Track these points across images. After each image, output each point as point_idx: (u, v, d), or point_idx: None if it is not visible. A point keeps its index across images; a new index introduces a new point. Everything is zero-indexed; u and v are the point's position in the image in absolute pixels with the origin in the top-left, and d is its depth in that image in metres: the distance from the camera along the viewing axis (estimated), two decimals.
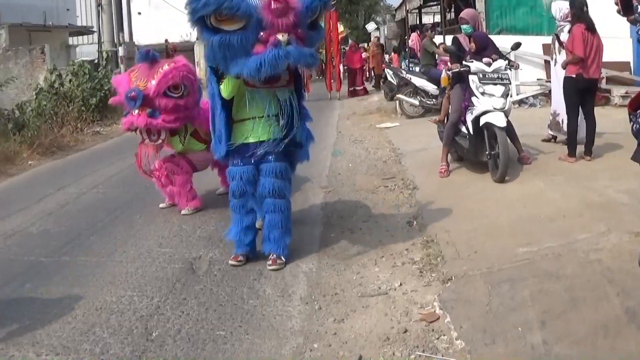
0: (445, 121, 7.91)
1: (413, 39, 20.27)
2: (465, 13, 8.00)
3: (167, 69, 6.34)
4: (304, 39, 4.57)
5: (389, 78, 17.04)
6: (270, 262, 5.05)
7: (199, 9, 4.27)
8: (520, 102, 13.06)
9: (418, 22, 29.23)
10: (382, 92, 18.39)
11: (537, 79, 13.65)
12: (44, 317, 4.31)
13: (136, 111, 6.28)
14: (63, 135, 13.20)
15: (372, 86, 23.47)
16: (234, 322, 4.11)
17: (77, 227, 6.65)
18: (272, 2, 4.32)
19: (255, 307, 4.33)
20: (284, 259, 5.10)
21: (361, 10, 50.28)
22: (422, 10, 28.32)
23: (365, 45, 31.05)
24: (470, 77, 7.16)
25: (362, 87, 21.72)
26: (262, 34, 4.38)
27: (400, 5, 28.63)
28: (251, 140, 5.01)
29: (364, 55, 24.39)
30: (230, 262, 5.15)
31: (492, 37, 8.22)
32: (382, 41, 30.76)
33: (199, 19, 4.37)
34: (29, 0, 23.08)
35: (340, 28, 23.55)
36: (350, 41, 32.27)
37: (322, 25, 5.16)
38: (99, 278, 5.06)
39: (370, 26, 33.96)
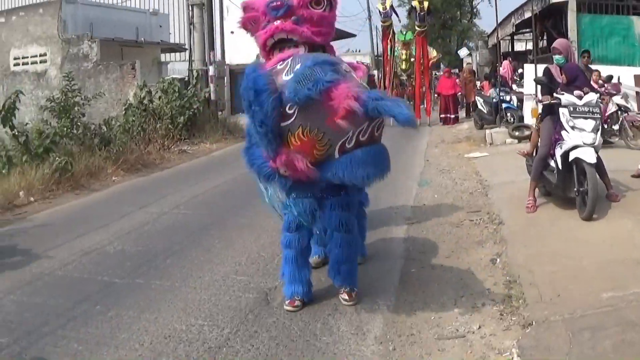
0: (534, 154, 7.67)
1: (505, 67, 19.89)
2: (558, 43, 7.75)
3: None
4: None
5: (480, 106, 16.81)
6: (345, 296, 4.93)
7: None
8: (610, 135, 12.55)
9: (510, 49, 28.73)
10: (472, 120, 18.15)
11: None
12: (111, 342, 4.37)
13: (278, 21, 5.54)
14: (149, 153, 13.51)
15: (462, 112, 23.14)
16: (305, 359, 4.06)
17: (154, 249, 6.75)
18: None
19: (327, 344, 4.25)
20: (356, 293, 4.95)
21: (454, 35, 49.96)
22: (515, 37, 27.82)
23: (457, 71, 30.70)
24: (561, 110, 6.92)
25: (454, 116, 20.70)
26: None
27: (493, 31, 28.21)
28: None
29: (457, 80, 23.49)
30: (286, 307, 4.86)
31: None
32: (474, 67, 30.32)
33: None
34: (122, 15, 23.63)
35: (433, 53, 23.35)
36: (442, 67, 31.90)
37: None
38: (170, 304, 5.09)
39: (463, 52, 33.58)
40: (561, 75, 7.28)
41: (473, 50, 39.83)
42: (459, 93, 22.71)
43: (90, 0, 22.89)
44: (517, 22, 22.50)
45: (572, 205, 6.91)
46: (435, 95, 22.91)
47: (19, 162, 10.82)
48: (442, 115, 20.50)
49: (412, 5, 21.34)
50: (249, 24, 5.92)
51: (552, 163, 7.16)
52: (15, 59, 19.85)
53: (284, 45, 5.36)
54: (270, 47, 5.43)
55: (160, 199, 9.47)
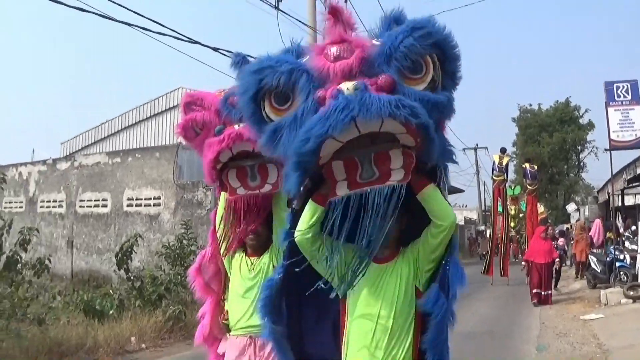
0: None
1: (595, 227, 19.45)
2: None
3: None
4: (393, 89, 2.83)
5: (593, 265, 16.45)
6: None
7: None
8: None
9: (620, 204, 28.14)
10: (585, 279, 17.66)
11: None
12: None
13: (240, 125, 3.94)
14: None
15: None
16: None
17: None
18: (328, 46, 2.96)
19: None
20: None
21: (561, 189, 49.50)
22: (625, 192, 27.32)
23: (567, 227, 30.00)
24: None
25: (548, 293, 14.97)
26: (318, 93, 2.87)
27: (603, 187, 27.85)
28: None
29: (560, 242, 20.49)
30: None
31: None
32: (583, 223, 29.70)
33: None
34: None
35: (540, 209, 23.12)
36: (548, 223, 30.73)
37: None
38: None
39: (571, 207, 33.19)
40: None
41: (580, 205, 39.24)
42: (556, 260, 15.86)
43: None
44: (629, 177, 22.20)
45: None
46: (523, 264, 18.01)
47: (131, 307, 11.19)
48: (535, 291, 14.85)
49: (522, 167, 21.01)
50: (193, 129, 4.36)
51: None
52: (128, 199, 20.01)
53: (245, 165, 4.09)
54: (222, 167, 4.11)
55: None
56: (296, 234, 3.20)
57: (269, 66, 3.00)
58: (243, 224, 4.24)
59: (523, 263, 17.76)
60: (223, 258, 4.49)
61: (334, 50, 2.92)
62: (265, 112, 3.05)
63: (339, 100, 2.71)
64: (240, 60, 4.13)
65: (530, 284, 15.26)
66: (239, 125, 3.90)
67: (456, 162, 3.24)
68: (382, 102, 2.67)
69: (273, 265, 4.19)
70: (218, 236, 4.46)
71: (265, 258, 4.33)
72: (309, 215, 3.15)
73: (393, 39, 2.88)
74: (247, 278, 4.31)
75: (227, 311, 4.47)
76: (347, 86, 2.74)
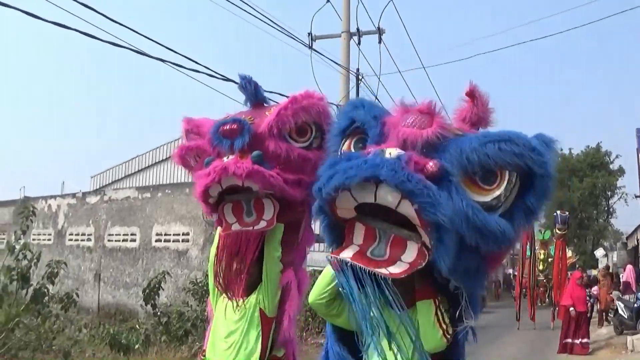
0: None
1: (628, 272, 19.17)
2: None
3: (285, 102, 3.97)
4: (438, 178, 2.65)
5: (620, 311, 16.26)
6: None
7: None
8: None
9: None
10: (612, 325, 17.39)
11: None
12: None
13: (230, 157, 3.73)
14: None
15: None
16: None
17: None
18: (412, 111, 2.85)
19: None
20: None
21: (590, 235, 48.96)
22: None
23: (594, 273, 29.57)
24: None
25: (584, 341, 13.93)
26: (370, 147, 2.84)
27: (633, 233, 27.57)
28: None
29: (594, 290, 19.11)
30: None
31: None
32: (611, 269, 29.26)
33: None
34: None
35: (569, 253, 22.91)
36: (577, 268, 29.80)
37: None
38: None
39: (599, 252, 32.83)
40: None
41: (609, 251, 38.77)
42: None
43: None
44: None
45: None
46: (555, 308, 18.13)
47: (157, 342, 11.24)
48: (567, 341, 13.89)
49: (555, 213, 20.62)
50: (191, 157, 4.17)
51: None
52: (157, 234, 20.01)
53: (237, 199, 3.85)
54: (218, 201, 3.90)
55: None
56: (310, 298, 3.20)
57: (362, 104, 3.06)
58: (235, 263, 3.94)
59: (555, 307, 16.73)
60: (209, 296, 4.26)
61: (410, 117, 2.81)
62: (340, 149, 3.05)
63: (373, 156, 2.63)
64: (246, 83, 4.07)
65: (562, 332, 14.15)
66: (228, 158, 3.67)
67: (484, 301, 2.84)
68: (403, 174, 2.54)
69: (260, 308, 4.00)
70: (209, 274, 4.16)
71: (252, 298, 4.03)
72: (325, 282, 3.14)
73: (478, 144, 2.70)
74: (232, 320, 4.04)
75: (204, 350, 4.20)
76: (390, 151, 2.66)
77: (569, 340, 13.81)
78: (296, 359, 4.37)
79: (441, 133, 2.73)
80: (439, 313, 2.92)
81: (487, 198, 2.72)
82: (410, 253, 2.72)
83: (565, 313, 14.15)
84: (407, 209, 2.60)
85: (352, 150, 2.98)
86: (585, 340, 13.91)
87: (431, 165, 2.62)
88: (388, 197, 2.60)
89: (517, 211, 2.76)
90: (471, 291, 2.88)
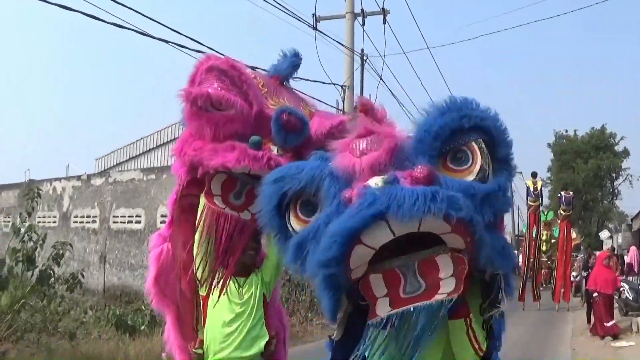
0: None
1: (632, 253, 19.16)
2: None
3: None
4: (431, 181, 2.38)
5: (626, 292, 16.25)
6: None
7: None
8: None
9: None
10: (617, 306, 17.41)
11: None
12: None
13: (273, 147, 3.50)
14: (292, 325, 13.64)
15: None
16: None
17: None
18: (353, 141, 2.55)
19: None
20: None
21: (595, 216, 48.95)
22: None
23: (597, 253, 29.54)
24: None
25: (612, 323, 13.54)
26: (344, 194, 2.40)
27: (638, 214, 27.47)
28: None
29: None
30: None
31: None
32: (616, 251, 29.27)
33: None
34: None
35: (573, 234, 22.89)
36: (582, 249, 29.53)
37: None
38: None
39: (604, 234, 32.79)
40: None
41: (613, 232, 38.73)
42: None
43: None
44: None
45: None
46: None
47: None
48: (605, 324, 13.40)
49: (558, 196, 20.58)
50: (208, 105, 3.53)
51: None
52: (162, 216, 19.11)
53: (235, 175, 3.54)
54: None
55: None
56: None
57: (288, 174, 2.61)
58: (226, 244, 3.54)
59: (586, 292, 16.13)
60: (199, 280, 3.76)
61: (359, 144, 2.51)
62: (292, 226, 2.59)
63: (367, 196, 2.25)
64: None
65: (595, 315, 13.92)
66: (276, 150, 3.40)
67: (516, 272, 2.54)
68: (415, 195, 2.19)
69: (265, 286, 3.93)
70: (196, 256, 3.65)
71: (254, 281, 3.92)
72: None
73: (425, 123, 2.47)
74: (236, 303, 3.86)
75: (200, 340, 3.91)
76: (375, 181, 2.32)
77: (600, 323, 13.44)
78: (287, 344, 4.33)
79: (396, 140, 2.49)
80: (470, 332, 2.58)
81: (474, 175, 2.47)
82: (448, 266, 2.35)
83: (594, 297, 13.72)
84: (433, 224, 2.26)
85: (300, 217, 2.59)
86: (613, 322, 13.54)
87: (419, 170, 2.35)
88: (406, 224, 2.22)
89: (498, 167, 2.54)
90: (508, 270, 2.59)
